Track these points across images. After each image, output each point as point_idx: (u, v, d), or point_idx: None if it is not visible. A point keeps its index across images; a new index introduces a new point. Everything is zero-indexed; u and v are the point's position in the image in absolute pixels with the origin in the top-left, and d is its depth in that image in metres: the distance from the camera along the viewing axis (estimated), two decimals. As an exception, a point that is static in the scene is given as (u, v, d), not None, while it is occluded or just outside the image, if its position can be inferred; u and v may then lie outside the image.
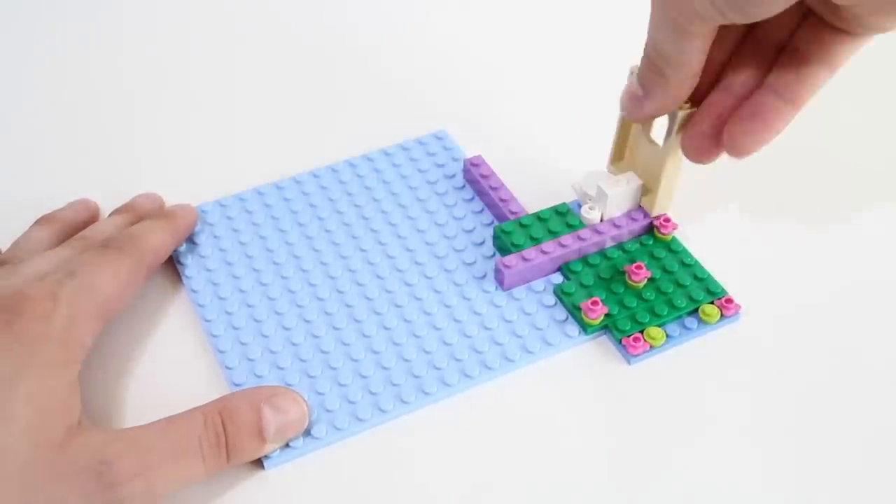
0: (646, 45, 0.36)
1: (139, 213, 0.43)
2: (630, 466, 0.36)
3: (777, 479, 0.35)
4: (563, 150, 0.48)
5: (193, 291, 0.41)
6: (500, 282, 0.41)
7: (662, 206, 0.42)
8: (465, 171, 0.46)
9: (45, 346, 0.33)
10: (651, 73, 0.36)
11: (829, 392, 0.38)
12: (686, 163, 0.39)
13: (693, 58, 0.35)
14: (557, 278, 0.41)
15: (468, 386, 0.38)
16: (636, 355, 0.39)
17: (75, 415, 0.32)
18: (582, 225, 0.42)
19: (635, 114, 0.38)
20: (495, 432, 0.37)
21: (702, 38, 0.34)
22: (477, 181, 0.45)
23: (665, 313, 0.39)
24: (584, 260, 0.42)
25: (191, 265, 0.42)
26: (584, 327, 0.39)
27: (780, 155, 0.48)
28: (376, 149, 0.48)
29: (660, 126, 0.39)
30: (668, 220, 0.42)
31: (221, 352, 0.39)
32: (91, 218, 0.44)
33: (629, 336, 0.39)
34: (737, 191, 0.46)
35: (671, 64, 0.35)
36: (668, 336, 0.39)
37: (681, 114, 0.38)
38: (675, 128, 0.38)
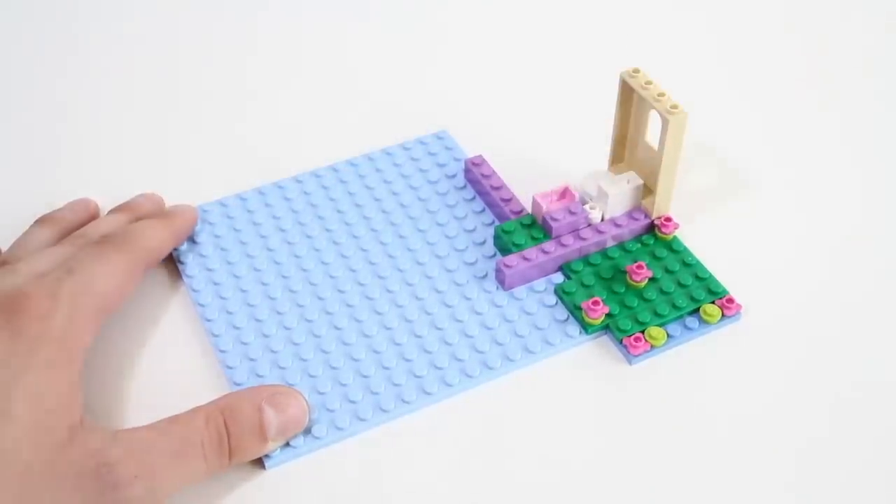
0: None
1: (138, 212, 0.43)
2: (631, 466, 0.36)
3: (778, 479, 0.35)
4: (563, 150, 0.48)
5: (194, 291, 0.41)
6: (501, 281, 0.41)
7: (662, 207, 0.42)
8: (467, 171, 0.46)
9: (46, 345, 0.33)
10: None
11: (829, 392, 0.38)
12: (686, 164, 0.39)
13: None
14: (558, 278, 0.41)
15: (469, 386, 0.38)
16: (637, 355, 0.38)
17: (77, 413, 0.32)
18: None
19: None
20: (496, 432, 0.37)
21: None
22: (478, 181, 0.45)
23: (666, 313, 0.39)
24: (586, 259, 0.42)
25: (191, 265, 0.42)
26: (585, 327, 0.39)
27: (781, 154, 0.48)
28: (377, 148, 0.48)
29: (656, 129, 0.39)
30: (669, 219, 0.42)
31: (222, 352, 0.39)
32: (91, 218, 0.44)
33: (630, 336, 0.39)
34: (738, 190, 0.46)
35: None
36: (669, 336, 0.39)
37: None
38: (668, 131, 0.39)
